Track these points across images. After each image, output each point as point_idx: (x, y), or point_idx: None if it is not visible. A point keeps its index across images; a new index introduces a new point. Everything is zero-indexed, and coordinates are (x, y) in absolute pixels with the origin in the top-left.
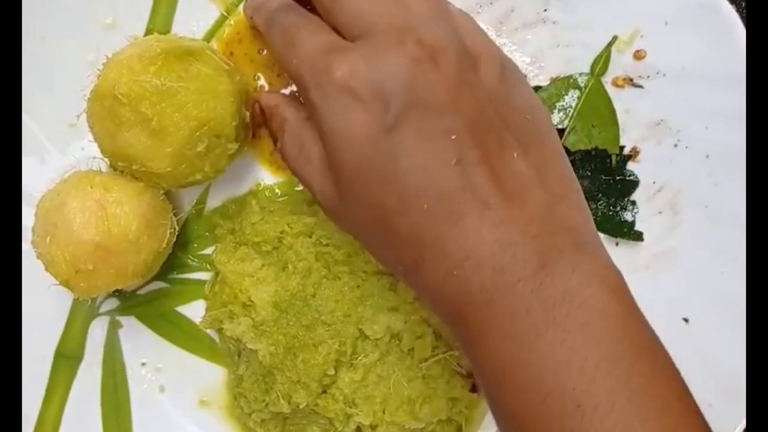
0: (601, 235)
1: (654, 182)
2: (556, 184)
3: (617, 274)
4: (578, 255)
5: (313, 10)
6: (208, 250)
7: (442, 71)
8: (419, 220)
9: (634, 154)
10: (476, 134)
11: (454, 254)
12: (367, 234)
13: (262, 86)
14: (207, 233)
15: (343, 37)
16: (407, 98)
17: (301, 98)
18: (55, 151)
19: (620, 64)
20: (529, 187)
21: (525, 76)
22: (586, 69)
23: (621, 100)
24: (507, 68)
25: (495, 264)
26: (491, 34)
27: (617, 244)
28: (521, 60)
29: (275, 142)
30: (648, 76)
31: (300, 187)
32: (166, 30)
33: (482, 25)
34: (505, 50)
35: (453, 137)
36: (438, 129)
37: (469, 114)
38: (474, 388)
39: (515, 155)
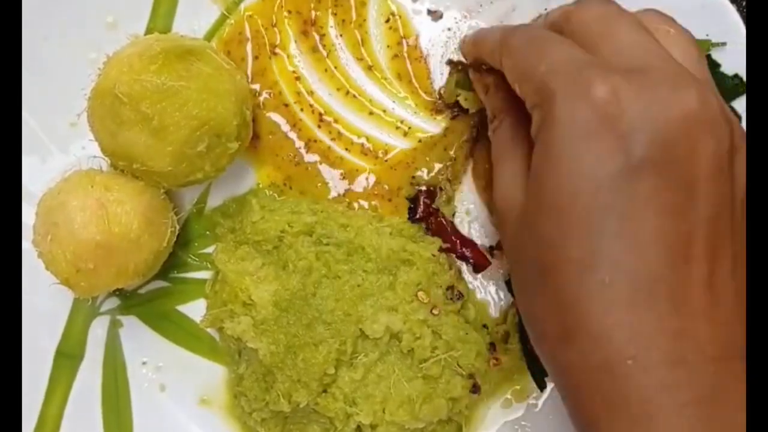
0: None
1: None
2: (736, 311)
3: None
4: None
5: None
6: (209, 249)
7: (711, 146)
8: (596, 288)
9: None
10: (709, 230)
11: (620, 347)
12: (526, 270)
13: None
14: (207, 232)
15: None
16: (664, 154)
17: (530, 108)
18: (56, 150)
19: None
20: (727, 305)
21: None
22: None
23: None
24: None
25: (664, 377)
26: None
27: None
28: None
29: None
30: None
31: None
32: (166, 29)
33: (482, 24)
34: None
35: (685, 222)
36: (675, 205)
37: (711, 206)
38: (474, 389)
39: (730, 269)
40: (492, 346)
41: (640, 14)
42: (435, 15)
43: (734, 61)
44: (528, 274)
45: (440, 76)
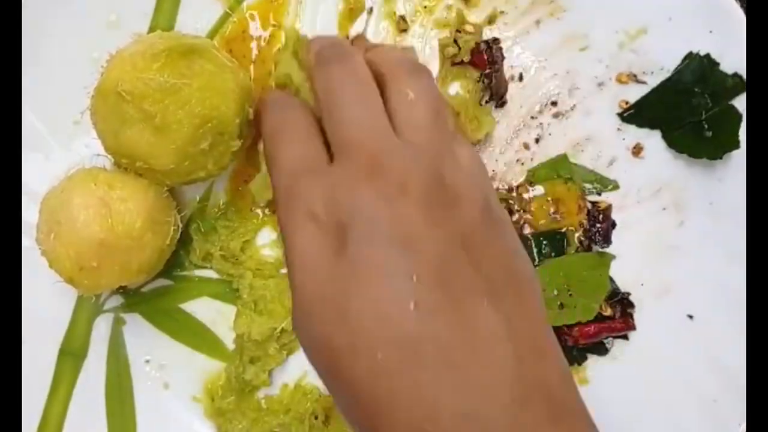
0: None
1: (658, 179)
2: (532, 338)
3: None
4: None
5: None
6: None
7: (411, 207)
8: (372, 368)
9: (636, 151)
10: (441, 277)
11: (410, 420)
12: (322, 375)
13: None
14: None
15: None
16: (367, 231)
17: None
18: (59, 148)
19: (624, 59)
20: (499, 339)
21: (510, 220)
22: (589, 66)
23: (624, 96)
24: (492, 210)
25: None
26: (491, 29)
27: (623, 236)
28: (523, 56)
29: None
30: (652, 72)
31: None
32: (169, 27)
33: (481, 16)
34: (506, 45)
35: (413, 278)
36: (397, 267)
37: (434, 254)
38: None
39: (485, 303)
40: None
41: (381, 61)
42: None
43: (738, 56)
44: (324, 380)
45: None
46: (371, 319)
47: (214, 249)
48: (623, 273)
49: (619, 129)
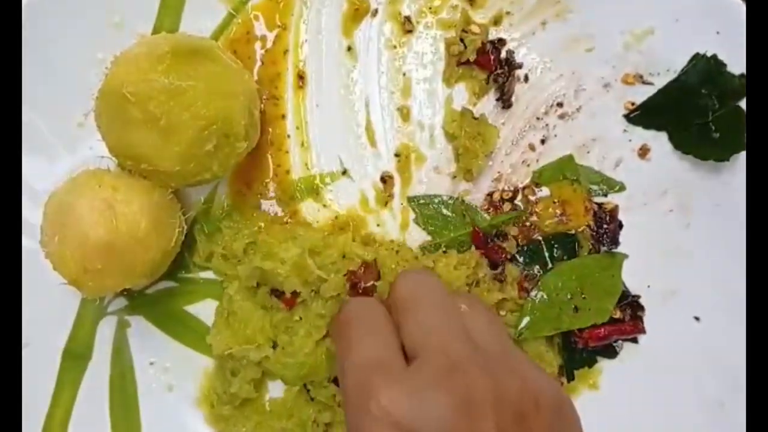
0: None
1: (664, 180)
2: None
3: None
4: None
5: None
6: None
7: (497, 421)
8: None
9: (643, 153)
10: None
11: None
12: None
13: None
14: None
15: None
16: None
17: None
18: (64, 150)
19: (630, 60)
20: None
21: (578, 419)
22: (595, 68)
23: (631, 97)
24: (563, 413)
25: None
26: (496, 30)
27: (630, 238)
28: (529, 57)
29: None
30: (658, 73)
31: None
32: (174, 28)
33: (487, 16)
34: (512, 46)
35: None
36: None
37: None
38: None
39: None
40: None
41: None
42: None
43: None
44: None
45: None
46: None
47: (217, 248)
48: (630, 275)
49: (625, 130)
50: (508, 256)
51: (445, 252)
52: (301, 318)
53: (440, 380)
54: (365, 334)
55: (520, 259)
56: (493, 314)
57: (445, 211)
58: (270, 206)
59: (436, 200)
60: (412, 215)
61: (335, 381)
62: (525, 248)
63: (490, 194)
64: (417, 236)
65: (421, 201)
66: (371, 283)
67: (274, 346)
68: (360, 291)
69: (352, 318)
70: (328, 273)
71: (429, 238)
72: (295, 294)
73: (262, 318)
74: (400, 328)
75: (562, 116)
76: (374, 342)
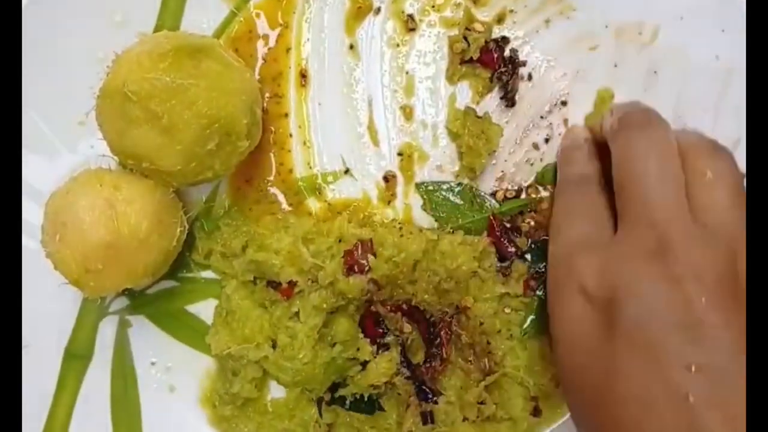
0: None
1: None
2: None
3: None
4: None
5: None
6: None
7: (701, 295)
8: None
9: None
10: (716, 374)
11: None
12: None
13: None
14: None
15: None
16: (644, 312)
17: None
18: (65, 150)
19: (635, 59)
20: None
21: None
22: (599, 65)
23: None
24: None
25: None
26: (500, 28)
27: None
28: (533, 55)
29: None
30: (665, 72)
31: None
32: (175, 27)
33: (490, 14)
34: (516, 44)
35: (692, 369)
36: (676, 356)
37: (723, 349)
38: (535, 411)
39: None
40: None
41: (682, 139)
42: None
43: None
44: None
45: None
46: (637, 409)
47: (216, 246)
48: None
49: None
50: (519, 252)
51: (452, 233)
52: (298, 311)
53: (646, 251)
54: (579, 217)
55: (528, 257)
56: (737, 188)
57: (453, 197)
58: (270, 204)
59: (445, 186)
60: (415, 213)
61: (331, 388)
62: (534, 245)
63: (494, 193)
64: None
65: (429, 187)
66: (366, 265)
67: (274, 345)
68: (356, 272)
69: (570, 208)
70: (324, 259)
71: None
72: (292, 284)
73: (261, 317)
74: (617, 188)
75: (565, 115)
76: (586, 225)
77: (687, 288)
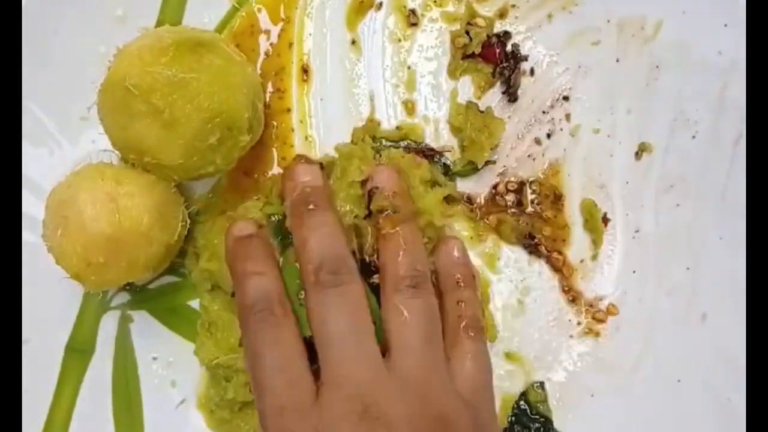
0: (619, 221)
1: (671, 175)
2: None
3: None
4: None
5: None
6: None
7: None
8: None
9: (640, 151)
10: None
11: None
12: None
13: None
14: None
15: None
16: None
17: None
18: (67, 144)
19: (638, 54)
20: None
21: None
22: (601, 60)
23: (641, 95)
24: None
25: None
26: (502, 23)
27: (635, 234)
28: (535, 50)
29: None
30: (667, 67)
31: None
32: (177, 21)
33: (492, 9)
34: (518, 39)
35: None
36: None
37: None
38: None
39: None
40: None
41: (390, 271)
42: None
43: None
44: None
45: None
46: None
47: (189, 246)
48: (637, 270)
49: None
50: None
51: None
52: None
53: (347, 413)
54: (277, 371)
55: None
56: (434, 321)
57: None
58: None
59: None
60: None
61: None
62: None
63: (495, 186)
64: None
65: None
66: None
67: None
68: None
69: (260, 351)
70: None
71: None
72: None
73: None
74: (317, 344)
75: (567, 110)
76: (285, 378)
77: None
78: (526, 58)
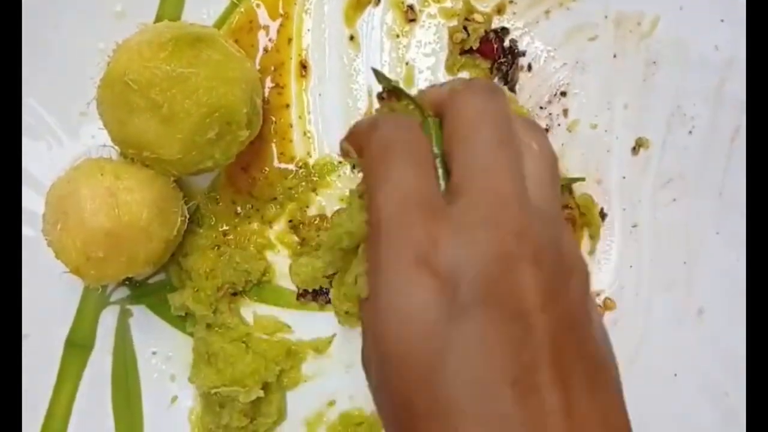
0: (617, 216)
1: (668, 170)
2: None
3: None
4: None
5: None
6: None
7: (535, 277)
8: None
9: (638, 146)
10: (553, 357)
11: None
12: (389, 426)
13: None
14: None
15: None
16: (488, 293)
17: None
18: (66, 139)
19: (635, 49)
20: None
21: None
22: (599, 56)
23: (638, 91)
24: (589, 286)
25: None
26: (498, 17)
27: (633, 229)
28: (533, 46)
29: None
30: (664, 63)
31: None
32: (176, 17)
33: (490, 5)
34: (515, 35)
35: (526, 353)
36: (511, 339)
37: (549, 334)
38: None
39: (587, 391)
40: None
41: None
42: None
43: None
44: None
45: None
46: (464, 386)
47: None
48: (634, 265)
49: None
50: None
51: None
52: None
53: (491, 223)
54: (404, 164)
55: None
56: (557, 167)
57: None
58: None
59: None
60: None
61: None
62: None
63: None
64: None
65: None
66: None
67: (264, 388)
68: None
69: (389, 143)
70: None
71: None
72: None
73: (254, 362)
74: (449, 157)
75: (565, 106)
76: (415, 173)
77: (520, 271)
78: (523, 54)
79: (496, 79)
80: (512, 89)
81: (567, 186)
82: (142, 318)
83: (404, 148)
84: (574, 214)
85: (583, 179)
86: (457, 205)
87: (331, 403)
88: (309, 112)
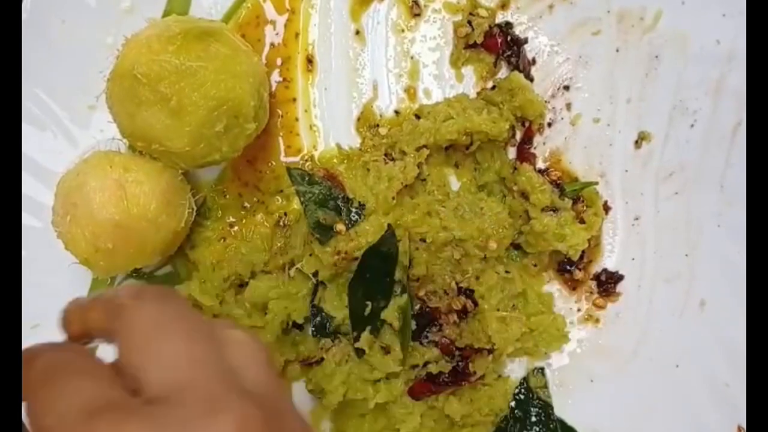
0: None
1: (670, 163)
2: None
3: None
4: None
5: None
6: None
7: None
8: None
9: (640, 140)
10: None
11: None
12: None
13: None
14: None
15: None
16: None
17: None
18: (76, 132)
19: (637, 44)
20: None
21: None
22: (602, 50)
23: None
24: None
25: None
26: (502, 12)
27: (635, 221)
28: (537, 40)
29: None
30: (666, 57)
31: None
32: (184, 12)
33: (494, 0)
34: (519, 30)
35: None
36: None
37: None
38: None
39: None
40: None
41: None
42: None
43: None
44: None
45: None
46: None
47: (186, 245)
48: (636, 257)
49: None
50: None
51: None
52: None
53: (203, 413)
54: (66, 374)
55: None
56: (266, 351)
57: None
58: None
59: None
60: None
61: None
62: None
63: None
64: None
65: None
66: None
67: None
68: None
69: (50, 367)
70: None
71: None
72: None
73: None
74: (133, 368)
75: (568, 100)
76: (89, 383)
77: None
78: (526, 41)
79: (501, 72)
80: (528, 76)
81: (579, 189)
82: None
83: (69, 367)
84: (580, 208)
85: (596, 183)
86: (155, 404)
87: None
88: (315, 106)
